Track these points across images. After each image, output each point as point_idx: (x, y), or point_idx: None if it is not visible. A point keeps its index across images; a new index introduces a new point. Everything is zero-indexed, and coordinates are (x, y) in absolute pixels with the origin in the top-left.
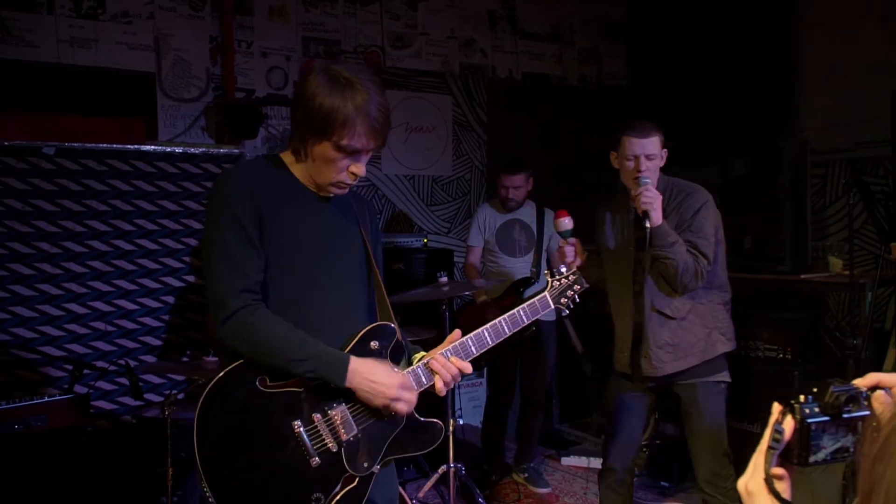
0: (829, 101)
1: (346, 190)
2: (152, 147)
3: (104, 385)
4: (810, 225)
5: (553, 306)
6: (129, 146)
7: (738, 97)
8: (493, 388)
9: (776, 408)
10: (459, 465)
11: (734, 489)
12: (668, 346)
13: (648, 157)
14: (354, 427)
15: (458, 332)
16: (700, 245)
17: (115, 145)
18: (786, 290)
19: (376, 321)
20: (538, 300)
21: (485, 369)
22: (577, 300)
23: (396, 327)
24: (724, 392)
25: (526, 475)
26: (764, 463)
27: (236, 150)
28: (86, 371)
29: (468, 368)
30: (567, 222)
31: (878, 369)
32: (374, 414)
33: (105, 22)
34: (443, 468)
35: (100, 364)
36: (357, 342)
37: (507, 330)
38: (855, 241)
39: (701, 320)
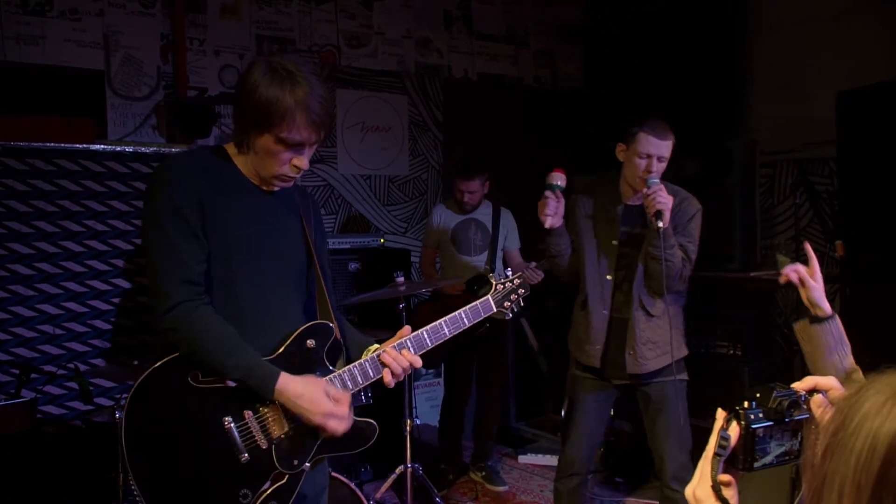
0: (777, 102)
1: (290, 183)
2: (102, 146)
3: (52, 389)
4: (759, 224)
5: (495, 309)
6: (77, 145)
7: (690, 99)
8: (450, 387)
9: (720, 414)
10: (416, 465)
11: None
12: (650, 343)
13: (660, 159)
14: (286, 424)
15: (407, 327)
16: (689, 250)
17: (63, 144)
18: (736, 288)
19: (315, 319)
20: (480, 303)
21: (442, 368)
22: (522, 304)
23: (335, 326)
24: (685, 390)
25: (483, 474)
26: (711, 470)
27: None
28: (33, 375)
29: (418, 362)
30: (559, 178)
31: None
32: None
33: (53, 18)
34: (400, 468)
35: (48, 368)
36: (293, 340)
37: (447, 332)
38: (801, 239)
39: (673, 322)
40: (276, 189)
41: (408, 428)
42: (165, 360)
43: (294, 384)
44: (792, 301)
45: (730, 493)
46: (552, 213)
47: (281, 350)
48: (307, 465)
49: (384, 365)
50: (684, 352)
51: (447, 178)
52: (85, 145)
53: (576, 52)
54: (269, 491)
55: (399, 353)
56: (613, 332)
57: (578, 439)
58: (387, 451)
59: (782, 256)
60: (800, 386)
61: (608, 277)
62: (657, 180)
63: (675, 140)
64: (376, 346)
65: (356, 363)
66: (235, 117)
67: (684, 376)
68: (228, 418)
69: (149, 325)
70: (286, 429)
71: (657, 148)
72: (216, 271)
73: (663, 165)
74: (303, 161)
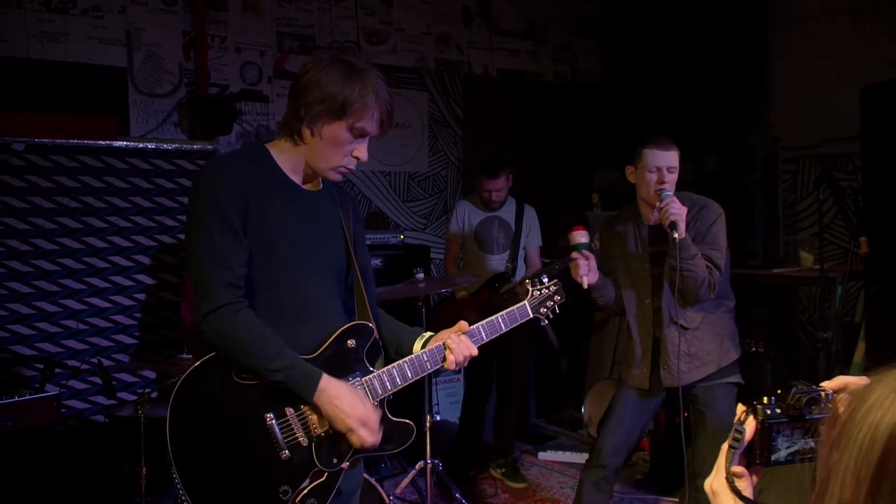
0: (799, 97)
1: (343, 176)
2: (124, 143)
3: (76, 384)
4: (782, 220)
5: (532, 315)
6: (100, 142)
7: (710, 94)
8: (470, 384)
9: (740, 408)
10: (436, 461)
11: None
12: (686, 356)
13: (670, 170)
14: (327, 422)
15: (464, 322)
16: (714, 257)
17: (86, 141)
18: (758, 285)
19: (354, 318)
20: (517, 308)
21: None
22: (557, 311)
23: (373, 326)
24: (735, 393)
25: (503, 470)
26: (725, 462)
27: (210, 146)
28: (57, 370)
29: (476, 351)
30: (582, 236)
31: (849, 362)
32: None
33: (76, 16)
34: (420, 464)
35: (71, 363)
36: (334, 340)
37: (483, 336)
38: (825, 235)
39: (713, 329)
40: (319, 188)
41: (428, 424)
42: (207, 357)
43: (335, 385)
44: (815, 298)
45: (743, 485)
46: (585, 273)
47: (321, 350)
48: (346, 463)
49: (448, 349)
50: (733, 357)
51: (467, 174)
52: (107, 142)
53: (595, 47)
54: (309, 488)
55: (460, 340)
56: (655, 351)
57: (613, 429)
58: (407, 447)
59: (805, 253)
60: (829, 385)
61: (647, 302)
62: (670, 193)
63: (679, 151)
64: (430, 333)
65: (406, 359)
66: (300, 107)
67: (734, 379)
68: (270, 415)
69: (172, 321)
70: (327, 426)
71: (664, 159)
72: (258, 270)
73: (674, 176)
74: (363, 152)
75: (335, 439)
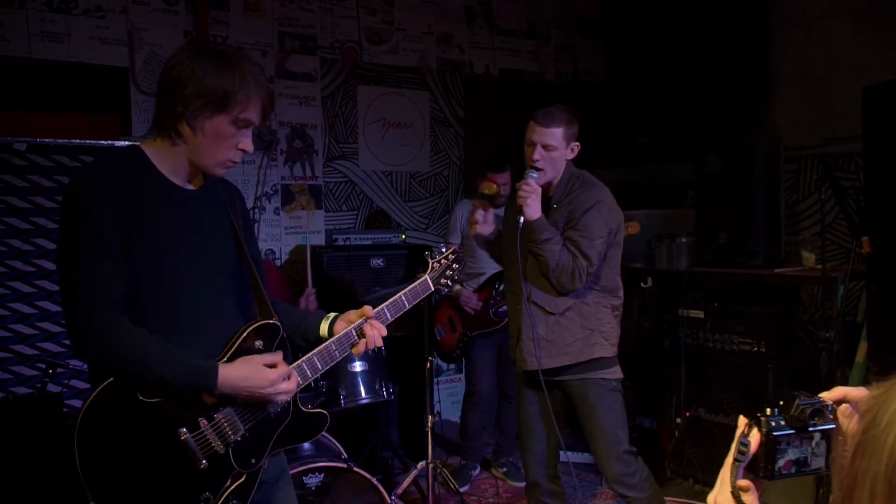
0: (801, 97)
1: (230, 168)
2: (126, 143)
3: (78, 384)
4: (783, 220)
5: (433, 288)
6: (102, 142)
7: (712, 93)
8: (472, 383)
9: (742, 421)
10: (438, 461)
11: (646, 479)
12: (542, 340)
13: (546, 147)
14: (241, 428)
15: (368, 307)
16: (582, 244)
17: (88, 141)
18: (759, 285)
19: (254, 317)
20: (419, 283)
21: (463, 364)
22: (456, 277)
23: (279, 324)
24: (616, 390)
25: (505, 469)
26: (730, 476)
27: None
28: (59, 370)
29: (384, 332)
30: (485, 186)
31: (851, 362)
32: (260, 412)
33: (77, 16)
34: (421, 464)
35: (73, 363)
36: (240, 342)
37: (388, 316)
38: (827, 235)
39: (581, 320)
40: (201, 185)
41: (429, 423)
42: (108, 382)
43: (234, 370)
44: (817, 298)
45: (750, 499)
46: (480, 221)
47: (228, 354)
48: (265, 461)
49: (364, 336)
50: (597, 353)
51: (468, 174)
52: (109, 142)
53: (596, 47)
54: (230, 490)
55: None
56: (515, 324)
57: (524, 442)
58: (409, 447)
59: (807, 253)
60: (828, 396)
61: (514, 275)
62: (535, 174)
63: (571, 128)
64: (334, 314)
65: (315, 351)
66: (174, 103)
67: (608, 374)
68: (184, 429)
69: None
70: (242, 431)
71: (539, 136)
72: (147, 282)
73: (553, 154)
74: (249, 144)
75: (251, 441)
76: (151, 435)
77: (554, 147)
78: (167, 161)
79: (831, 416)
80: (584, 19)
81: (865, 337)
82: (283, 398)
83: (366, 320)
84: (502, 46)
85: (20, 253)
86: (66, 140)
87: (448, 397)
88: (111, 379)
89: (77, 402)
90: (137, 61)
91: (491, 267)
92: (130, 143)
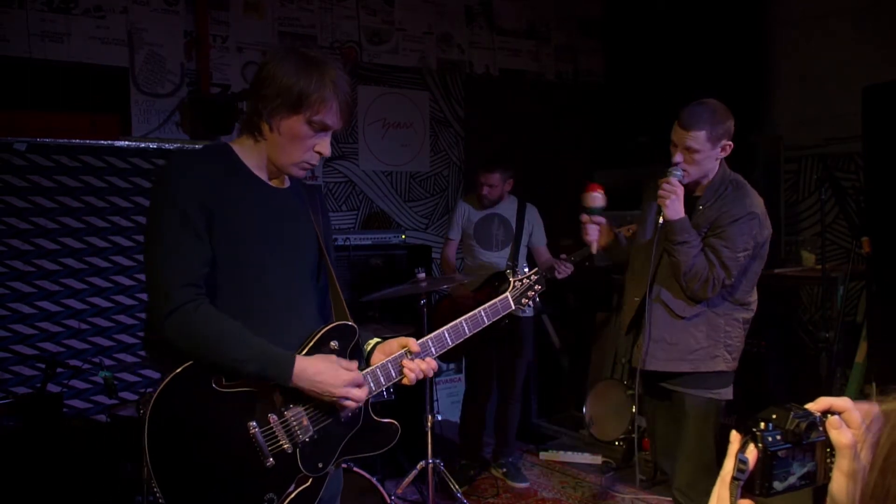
0: (801, 97)
1: (308, 171)
2: (126, 143)
3: (78, 384)
4: (783, 220)
5: (514, 307)
6: (102, 142)
7: (712, 94)
8: (471, 383)
9: (735, 437)
10: (438, 461)
11: (706, 495)
12: (665, 342)
13: (688, 150)
14: (310, 429)
15: (412, 340)
16: (724, 255)
17: (88, 141)
18: (759, 284)
19: (330, 318)
20: (499, 301)
21: (463, 364)
22: (537, 300)
23: (355, 326)
24: (718, 408)
25: (504, 470)
26: (729, 496)
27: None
28: (59, 370)
29: (434, 366)
30: (596, 198)
31: (851, 362)
32: (330, 415)
33: (77, 16)
34: (421, 464)
35: (73, 362)
36: (317, 342)
37: (467, 331)
38: (827, 235)
39: (709, 329)
40: (285, 186)
41: (429, 424)
42: (186, 364)
43: (311, 363)
44: (817, 298)
45: None
46: (594, 237)
47: (305, 350)
48: (331, 467)
49: (403, 368)
50: (719, 367)
51: (468, 174)
52: (109, 142)
53: (597, 47)
54: (294, 494)
55: (413, 362)
56: (634, 325)
57: (660, 451)
58: (408, 447)
59: (807, 253)
60: (814, 407)
61: (643, 268)
62: (680, 173)
63: (714, 129)
64: (376, 340)
65: (379, 364)
66: (257, 102)
67: (716, 395)
68: (253, 423)
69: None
70: (311, 432)
71: (680, 137)
72: (226, 271)
73: (697, 156)
74: (326, 147)
75: (319, 444)
76: (221, 426)
77: (696, 150)
78: (252, 157)
79: (821, 429)
80: (584, 19)
81: (865, 337)
82: (351, 404)
83: (407, 353)
84: (502, 46)
85: (20, 253)
86: (66, 140)
87: (448, 397)
88: (184, 365)
89: (77, 403)
90: (137, 61)
91: (491, 267)
92: (218, 141)
